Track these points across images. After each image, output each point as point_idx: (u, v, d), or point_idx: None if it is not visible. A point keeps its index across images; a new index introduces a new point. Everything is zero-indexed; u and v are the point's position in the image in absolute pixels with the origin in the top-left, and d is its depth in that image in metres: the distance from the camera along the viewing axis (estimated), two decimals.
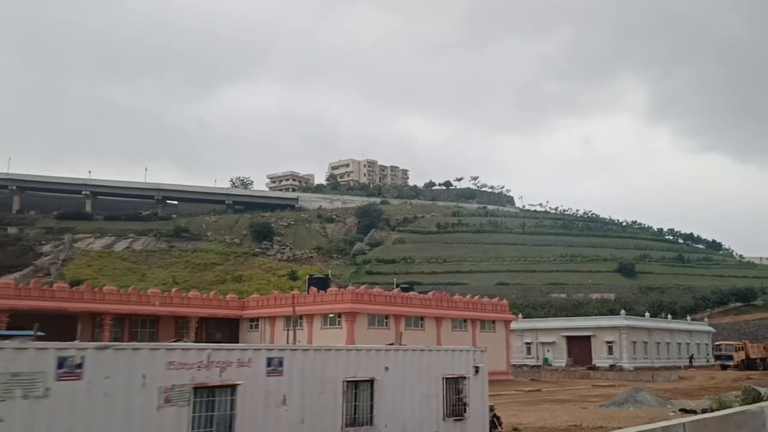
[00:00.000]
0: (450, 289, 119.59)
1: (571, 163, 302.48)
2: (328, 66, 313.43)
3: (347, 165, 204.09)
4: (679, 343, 72.69)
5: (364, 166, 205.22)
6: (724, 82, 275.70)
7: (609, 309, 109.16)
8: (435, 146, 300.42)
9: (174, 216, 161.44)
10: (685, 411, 22.57)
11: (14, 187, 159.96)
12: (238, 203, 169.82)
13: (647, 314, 73.30)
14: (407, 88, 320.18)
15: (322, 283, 50.05)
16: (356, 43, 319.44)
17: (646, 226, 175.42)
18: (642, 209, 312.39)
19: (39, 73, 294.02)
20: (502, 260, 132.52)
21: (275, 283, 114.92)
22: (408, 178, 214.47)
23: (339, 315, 41.58)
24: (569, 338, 68.30)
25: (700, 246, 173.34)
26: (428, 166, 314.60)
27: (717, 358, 65.12)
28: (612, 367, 60.14)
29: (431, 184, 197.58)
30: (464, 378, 16.92)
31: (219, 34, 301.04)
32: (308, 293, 46.86)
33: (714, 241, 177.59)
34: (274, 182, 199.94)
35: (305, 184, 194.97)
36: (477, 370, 17.21)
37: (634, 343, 64.25)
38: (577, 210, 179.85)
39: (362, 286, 47.50)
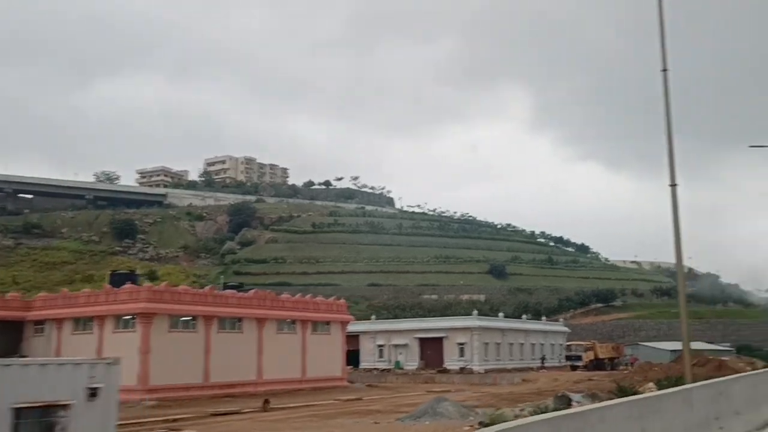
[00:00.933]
0: (320, 290, 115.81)
1: (457, 168, 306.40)
2: (212, 63, 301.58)
3: (224, 162, 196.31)
4: (533, 344, 72.20)
5: (242, 163, 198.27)
6: (599, 93, 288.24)
7: (478, 310, 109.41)
8: (324, 147, 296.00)
9: (26, 211, 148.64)
10: (484, 424, 19.90)
11: None
12: (101, 199, 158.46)
13: (501, 314, 72.39)
14: (295, 87, 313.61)
15: (124, 280, 44.41)
16: (242, 40, 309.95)
17: (519, 229, 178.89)
18: (522, 214, 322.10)
19: None
20: (375, 261, 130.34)
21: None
22: (288, 177, 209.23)
23: (134, 316, 36.54)
24: (422, 340, 65.97)
25: (570, 249, 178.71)
26: (318, 166, 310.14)
27: (567, 358, 65.08)
28: (462, 370, 58.43)
29: (310, 183, 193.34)
30: (64, 405, 12.33)
31: (97, 23, 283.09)
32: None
33: (582, 245, 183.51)
34: (144, 177, 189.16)
35: (178, 181, 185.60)
36: (93, 392, 12.71)
37: (486, 344, 62.71)
38: (455, 212, 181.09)
39: (161, 285, 42.57)
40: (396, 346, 65.30)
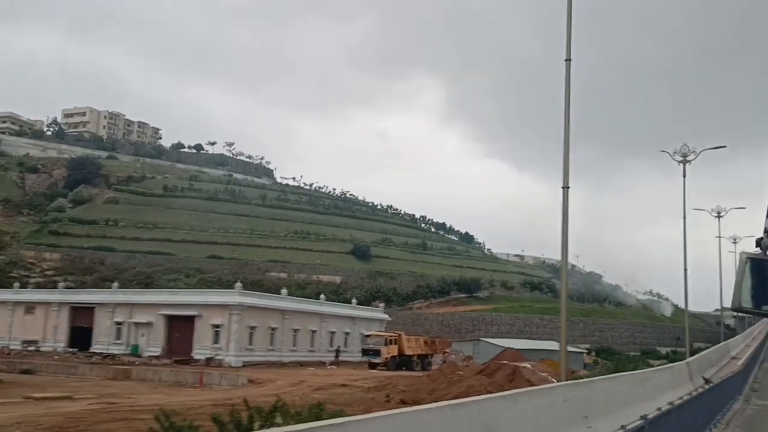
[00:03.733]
0: (149, 259, 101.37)
1: (366, 154, 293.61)
2: (115, 23, 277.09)
3: (83, 114, 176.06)
4: (333, 333, 60.33)
5: (105, 117, 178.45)
6: (512, 91, 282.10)
7: (332, 291, 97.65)
8: (228, 119, 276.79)
9: None
10: None
11: None
12: None
13: (285, 291, 59.51)
14: (202, 55, 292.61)
15: None
16: (146, 1, 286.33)
17: (400, 211, 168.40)
18: (426, 206, 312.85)
19: None
20: (225, 232, 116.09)
21: None
22: (161, 138, 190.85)
23: None
24: (169, 318, 51.55)
25: (452, 237, 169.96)
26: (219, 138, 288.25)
27: (364, 353, 53.48)
28: (209, 362, 45.87)
29: (179, 145, 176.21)
30: None
31: None
32: None
33: (466, 234, 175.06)
34: None
35: (30, 130, 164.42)
36: None
37: (253, 329, 50.02)
38: (334, 189, 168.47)
39: None
40: (138, 324, 51.72)
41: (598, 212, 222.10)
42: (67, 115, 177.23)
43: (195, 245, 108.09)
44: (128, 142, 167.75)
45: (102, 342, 53.11)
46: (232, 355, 45.78)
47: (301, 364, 49.47)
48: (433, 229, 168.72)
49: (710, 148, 33.92)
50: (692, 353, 30.77)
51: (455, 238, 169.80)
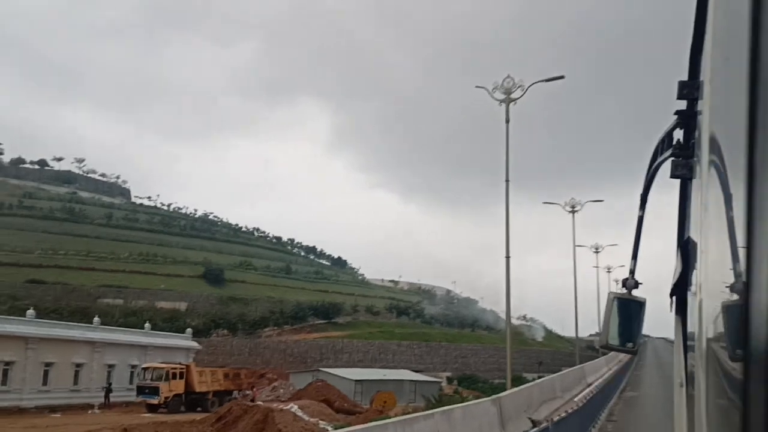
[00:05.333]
0: None
1: (246, 183, 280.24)
2: None
3: None
4: (113, 366, 50.27)
5: None
6: (396, 122, 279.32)
7: (169, 319, 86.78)
8: (99, 144, 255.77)
9: None
10: None
11: None
12: None
13: (32, 311, 48.04)
14: (70, 76, 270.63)
15: None
16: (8, 15, 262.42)
17: (266, 234, 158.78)
18: (300, 231, 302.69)
19: None
20: (55, 253, 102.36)
21: None
22: (2, 153, 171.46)
23: None
24: None
25: (324, 262, 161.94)
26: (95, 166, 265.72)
27: (139, 391, 43.69)
28: None
29: (20, 160, 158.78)
30: None
31: None
32: None
33: (339, 258, 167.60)
34: None
35: None
36: None
37: None
38: (195, 210, 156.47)
39: None
40: None
41: (482, 241, 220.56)
42: None
43: (14, 269, 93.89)
44: None
45: None
46: None
47: (53, 409, 38.99)
48: (302, 253, 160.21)
49: (545, 81, 27.28)
50: (518, 383, 23.71)
51: (326, 263, 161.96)
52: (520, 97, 26.21)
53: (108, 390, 45.20)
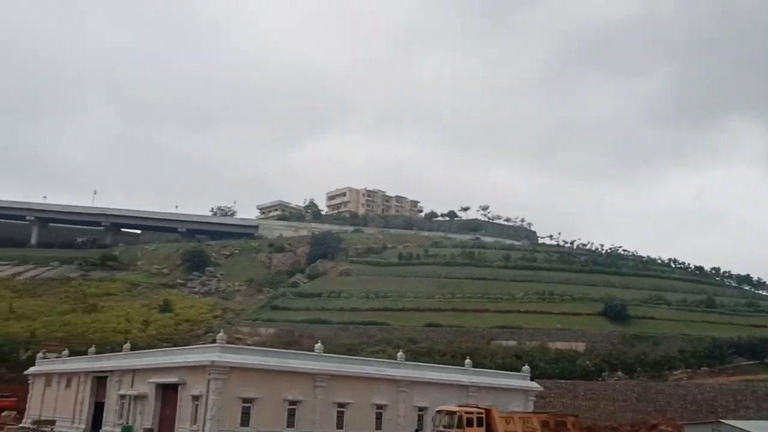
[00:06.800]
0: (362, 330, 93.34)
1: (676, 216, 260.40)
2: (405, 117, 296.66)
3: (344, 194, 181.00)
4: (425, 409, 40.62)
5: (363, 195, 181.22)
6: None
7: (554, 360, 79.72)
8: (522, 194, 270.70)
9: (120, 244, 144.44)
10: None
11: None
12: (197, 231, 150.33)
13: (320, 345, 40.43)
14: (487, 132, 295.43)
15: None
16: (433, 87, 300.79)
17: (687, 265, 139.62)
18: (734, 261, 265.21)
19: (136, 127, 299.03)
20: (452, 297, 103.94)
21: (135, 316, 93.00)
22: (420, 210, 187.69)
23: None
24: (161, 388, 38.76)
25: (762, 292, 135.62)
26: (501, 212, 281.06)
27: None
28: None
29: (432, 214, 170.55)
30: None
31: (298, 87, 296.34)
32: None
33: None
34: (262, 212, 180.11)
35: (290, 214, 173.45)
36: None
37: (250, 401, 33.81)
38: (600, 246, 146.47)
39: None
40: (136, 397, 40.13)
41: None
42: (330, 197, 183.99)
43: (415, 314, 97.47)
44: (378, 216, 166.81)
45: (109, 422, 42.99)
46: None
47: None
48: (732, 284, 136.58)
49: None
50: None
51: (765, 293, 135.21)
52: None
53: None
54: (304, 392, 36.80)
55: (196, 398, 34.48)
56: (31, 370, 57.45)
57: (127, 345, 47.86)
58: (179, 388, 35.85)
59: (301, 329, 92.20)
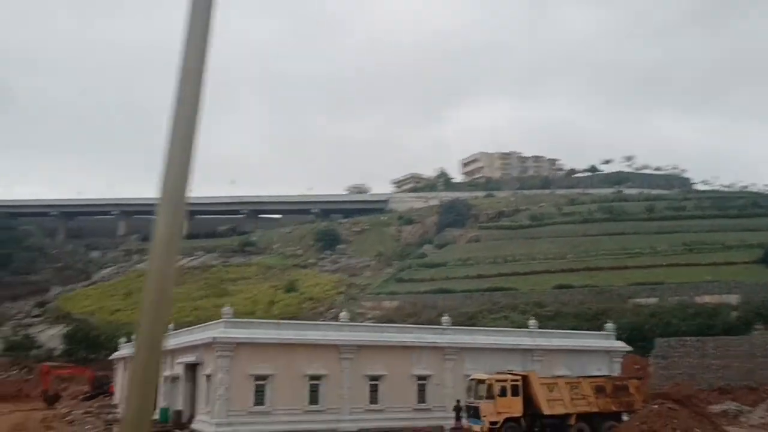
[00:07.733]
0: (487, 297, 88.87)
1: None
2: (545, 73, 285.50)
3: (477, 159, 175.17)
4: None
5: (498, 158, 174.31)
6: None
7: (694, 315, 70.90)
8: (690, 142, 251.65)
9: (258, 230, 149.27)
10: None
11: (118, 212, 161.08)
12: (331, 211, 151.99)
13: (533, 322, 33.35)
14: (638, 80, 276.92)
15: None
16: (574, 41, 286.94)
17: None
18: None
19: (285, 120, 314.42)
20: (586, 255, 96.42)
21: (262, 297, 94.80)
22: (561, 169, 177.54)
23: None
24: (189, 367, 36.31)
25: None
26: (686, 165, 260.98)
27: (456, 412, 28.82)
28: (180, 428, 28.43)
29: (572, 171, 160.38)
30: None
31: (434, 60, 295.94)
32: None
33: None
34: (398, 186, 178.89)
35: (424, 185, 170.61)
36: None
37: (264, 378, 29.95)
38: (766, 185, 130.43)
39: None
40: (174, 378, 37.02)
41: None
42: (464, 164, 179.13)
43: (545, 276, 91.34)
44: (513, 179, 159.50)
45: (158, 404, 38.58)
46: (213, 421, 29.58)
47: None
48: None
49: None
50: None
51: None
52: None
53: (458, 408, 33.32)
54: (327, 366, 33.78)
55: (208, 377, 32.68)
56: (115, 355, 59.37)
57: (171, 325, 47.32)
58: (197, 368, 34.30)
59: (424, 300, 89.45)
